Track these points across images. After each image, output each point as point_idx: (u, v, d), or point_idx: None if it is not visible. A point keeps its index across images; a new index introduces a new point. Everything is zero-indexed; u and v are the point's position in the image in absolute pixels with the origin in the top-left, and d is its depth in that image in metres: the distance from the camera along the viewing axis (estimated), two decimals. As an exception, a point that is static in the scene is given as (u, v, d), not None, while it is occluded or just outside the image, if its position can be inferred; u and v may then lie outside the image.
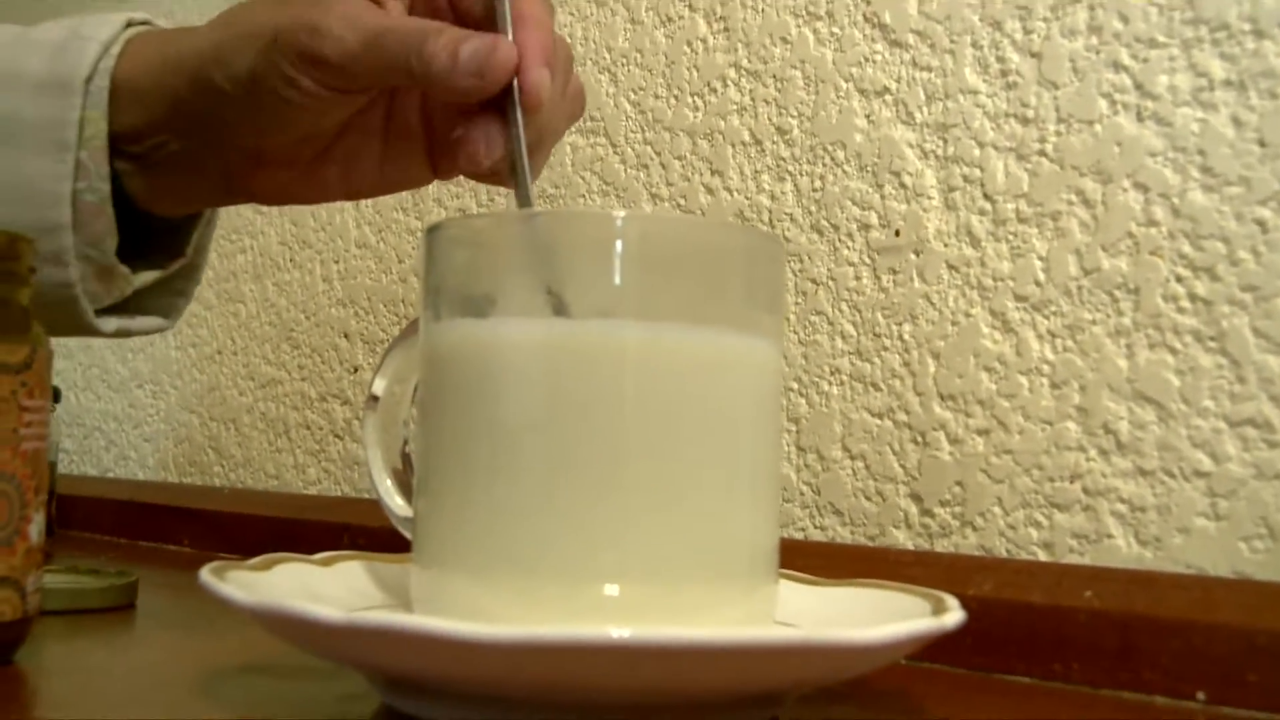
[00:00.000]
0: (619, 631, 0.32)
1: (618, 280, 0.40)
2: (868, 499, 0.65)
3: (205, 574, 0.39)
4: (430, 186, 0.92)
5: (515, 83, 0.45)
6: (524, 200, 0.45)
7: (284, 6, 0.48)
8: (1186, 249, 0.55)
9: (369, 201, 0.98)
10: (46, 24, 0.55)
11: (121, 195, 0.54)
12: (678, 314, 0.40)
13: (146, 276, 0.58)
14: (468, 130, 0.46)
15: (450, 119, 0.49)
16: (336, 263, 1.01)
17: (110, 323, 0.57)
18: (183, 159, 0.53)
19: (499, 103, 0.46)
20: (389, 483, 0.48)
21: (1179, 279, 0.55)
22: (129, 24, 0.54)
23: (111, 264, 0.55)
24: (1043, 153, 0.60)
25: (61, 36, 0.53)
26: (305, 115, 0.49)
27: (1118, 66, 0.58)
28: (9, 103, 0.52)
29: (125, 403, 1.25)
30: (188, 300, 0.62)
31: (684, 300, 0.41)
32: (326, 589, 0.45)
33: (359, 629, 0.33)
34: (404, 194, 0.95)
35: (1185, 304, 0.55)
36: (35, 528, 0.45)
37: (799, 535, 0.67)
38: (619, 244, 0.40)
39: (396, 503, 0.48)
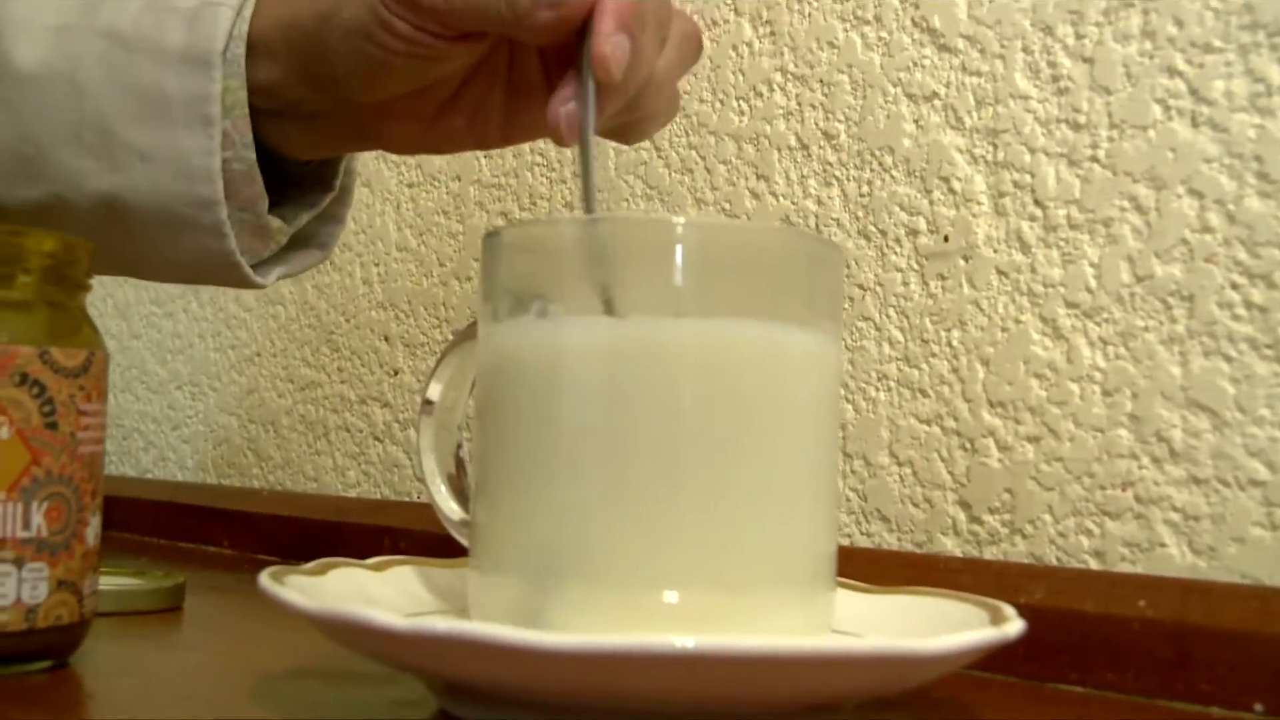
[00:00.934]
0: (682, 641, 0.32)
1: (678, 283, 0.40)
2: (915, 506, 0.65)
3: (265, 579, 0.39)
4: (470, 189, 0.92)
5: (587, 50, 0.44)
6: (587, 193, 0.44)
7: None
8: (1242, 255, 0.55)
9: (409, 204, 0.98)
10: None
11: (261, 143, 0.55)
12: (738, 313, 0.40)
13: (300, 219, 0.59)
14: (551, 106, 0.45)
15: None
16: (377, 265, 1.01)
17: (270, 273, 0.59)
18: (316, 113, 0.54)
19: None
20: (444, 488, 0.48)
21: (1234, 286, 0.55)
22: None
23: (265, 223, 0.56)
24: (1095, 158, 0.59)
25: (193, 1, 0.53)
26: (413, 64, 0.49)
27: (1172, 72, 0.58)
28: (154, 76, 0.53)
29: (164, 404, 1.26)
30: (342, 225, 0.63)
31: (744, 302, 0.40)
32: (381, 593, 0.45)
33: (424, 635, 0.33)
34: (444, 197, 0.95)
35: (1241, 311, 0.55)
36: (92, 531, 0.45)
37: (845, 542, 0.67)
38: (679, 249, 0.40)
39: (451, 507, 0.48)
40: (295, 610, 0.36)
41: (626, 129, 0.51)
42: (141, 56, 0.54)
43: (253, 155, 0.54)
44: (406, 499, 0.95)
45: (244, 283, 0.58)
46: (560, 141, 0.45)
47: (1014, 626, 0.39)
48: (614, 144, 0.80)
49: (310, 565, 0.45)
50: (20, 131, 0.55)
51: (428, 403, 0.48)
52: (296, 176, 0.59)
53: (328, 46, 0.50)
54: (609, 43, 0.44)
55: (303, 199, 0.59)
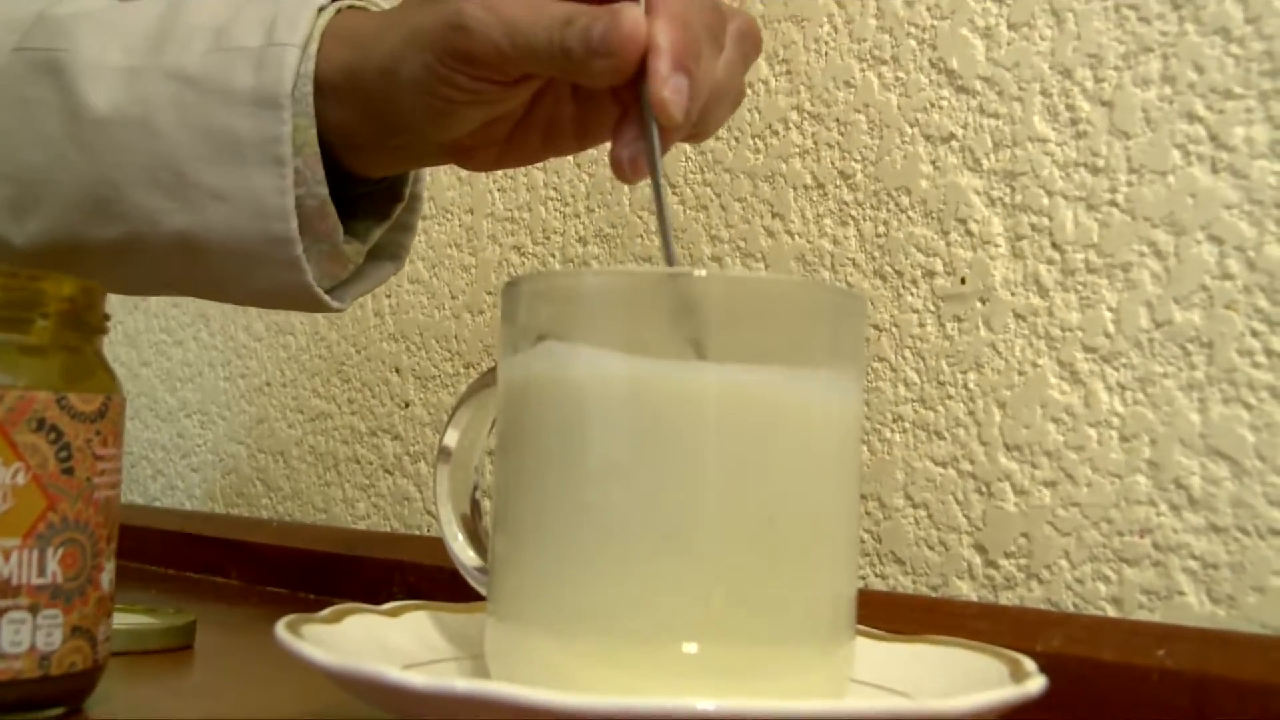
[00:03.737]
0: (703, 704, 0.32)
1: (705, 333, 0.39)
2: (930, 549, 0.64)
3: (281, 630, 0.39)
4: (483, 222, 0.92)
5: (645, 94, 0.44)
6: (664, 232, 0.45)
7: (431, 4, 0.49)
8: (1262, 303, 0.55)
9: (421, 237, 0.98)
10: (239, 8, 0.56)
11: (334, 162, 0.56)
12: (761, 360, 0.40)
13: (373, 235, 0.60)
14: (620, 146, 0.46)
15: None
16: (388, 297, 1.01)
17: (347, 295, 0.60)
18: (386, 148, 0.55)
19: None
20: (461, 535, 0.48)
21: (1255, 333, 0.55)
22: (320, 7, 0.55)
23: (341, 250, 0.57)
24: (1114, 203, 0.59)
25: (259, 41, 0.54)
26: (477, 109, 0.50)
27: (1192, 117, 0.57)
28: (225, 118, 0.54)
29: (173, 432, 1.26)
30: (413, 233, 0.63)
31: (767, 349, 0.40)
32: (397, 642, 0.45)
33: (444, 695, 0.33)
34: (457, 230, 0.95)
35: (1261, 359, 0.54)
36: (107, 576, 0.45)
37: (860, 584, 0.66)
38: (703, 301, 0.39)
39: (469, 556, 0.48)
40: (315, 666, 0.36)
41: (696, 134, 0.51)
42: (212, 98, 0.54)
43: (325, 191, 0.55)
44: (417, 532, 0.95)
45: (322, 308, 0.59)
46: (626, 181, 0.46)
47: (1035, 684, 0.38)
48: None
49: (325, 613, 0.44)
50: (98, 174, 0.56)
51: (444, 451, 0.47)
52: (368, 191, 0.60)
53: (392, 98, 0.51)
54: (667, 86, 0.44)
55: (373, 209, 0.60)
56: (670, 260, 0.44)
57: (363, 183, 0.58)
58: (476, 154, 0.55)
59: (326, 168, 0.54)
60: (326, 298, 0.58)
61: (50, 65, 0.56)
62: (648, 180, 0.46)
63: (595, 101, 0.53)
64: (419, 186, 0.62)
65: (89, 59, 0.56)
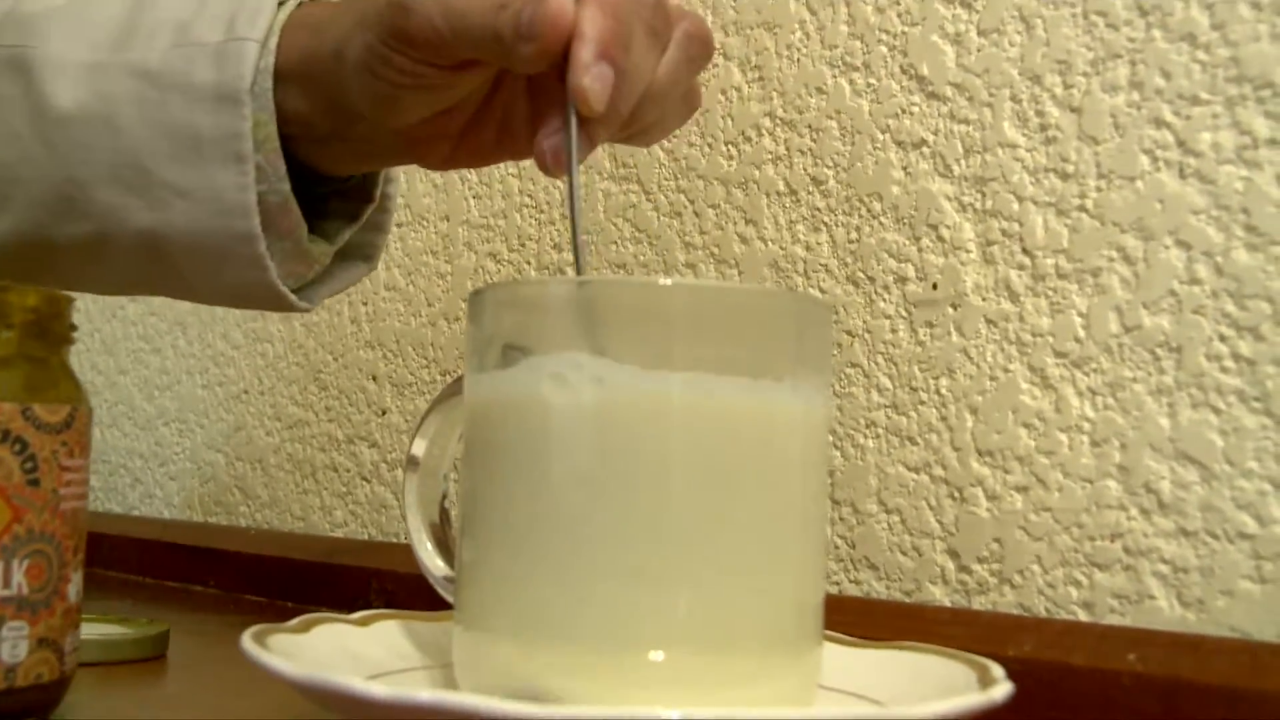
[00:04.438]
0: (669, 713, 0.32)
1: (666, 342, 0.39)
2: (904, 554, 0.64)
3: (247, 641, 0.39)
4: (459, 230, 0.92)
5: (568, 86, 0.44)
6: (574, 229, 0.44)
7: None
8: (1230, 308, 0.55)
9: (397, 244, 0.98)
10: (204, 2, 0.56)
11: (300, 162, 0.55)
12: (726, 369, 0.40)
13: (342, 236, 0.60)
14: (542, 136, 0.45)
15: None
16: (365, 305, 1.01)
17: (316, 295, 0.60)
18: (348, 137, 0.55)
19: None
20: (429, 544, 0.48)
21: (1223, 338, 0.55)
22: (281, 1, 0.55)
23: (306, 249, 0.57)
24: (1083, 208, 0.60)
25: (219, 36, 0.54)
26: (421, 94, 0.50)
27: (1159, 123, 0.58)
28: (186, 115, 0.54)
29: (151, 440, 1.25)
30: (386, 234, 0.63)
31: (733, 358, 0.40)
32: (366, 651, 0.45)
33: (407, 704, 0.33)
34: (433, 237, 0.95)
35: (1229, 364, 0.55)
36: (74, 588, 0.45)
37: (834, 590, 0.66)
38: (668, 311, 0.39)
39: (436, 564, 0.48)
40: (278, 677, 0.36)
41: (639, 136, 0.50)
42: (173, 95, 0.54)
43: (287, 187, 0.54)
44: (394, 539, 0.95)
45: (289, 308, 0.59)
46: (547, 173, 0.46)
47: (1001, 690, 0.38)
48: (603, 187, 0.80)
49: (294, 622, 0.44)
50: (64, 172, 0.56)
51: (412, 460, 0.47)
52: (338, 189, 0.59)
53: (342, 82, 0.51)
54: (588, 74, 0.43)
55: (344, 210, 0.60)
56: (578, 260, 0.44)
57: (330, 182, 0.58)
58: (430, 147, 0.54)
59: (291, 166, 0.54)
60: (293, 297, 0.58)
61: (16, 62, 0.56)
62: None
63: (549, 98, 0.53)
64: (391, 188, 0.62)
65: (54, 56, 0.56)
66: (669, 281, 0.42)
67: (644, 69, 0.46)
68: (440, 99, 0.51)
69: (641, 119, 0.48)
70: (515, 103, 0.54)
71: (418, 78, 0.49)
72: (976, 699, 0.37)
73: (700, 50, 0.49)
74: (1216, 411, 0.55)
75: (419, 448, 0.47)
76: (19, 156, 0.56)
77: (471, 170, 0.92)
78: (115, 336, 1.31)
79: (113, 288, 0.65)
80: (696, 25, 0.49)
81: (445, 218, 0.94)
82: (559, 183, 0.85)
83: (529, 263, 0.87)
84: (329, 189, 0.59)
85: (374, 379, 0.99)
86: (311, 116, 0.54)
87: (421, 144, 0.54)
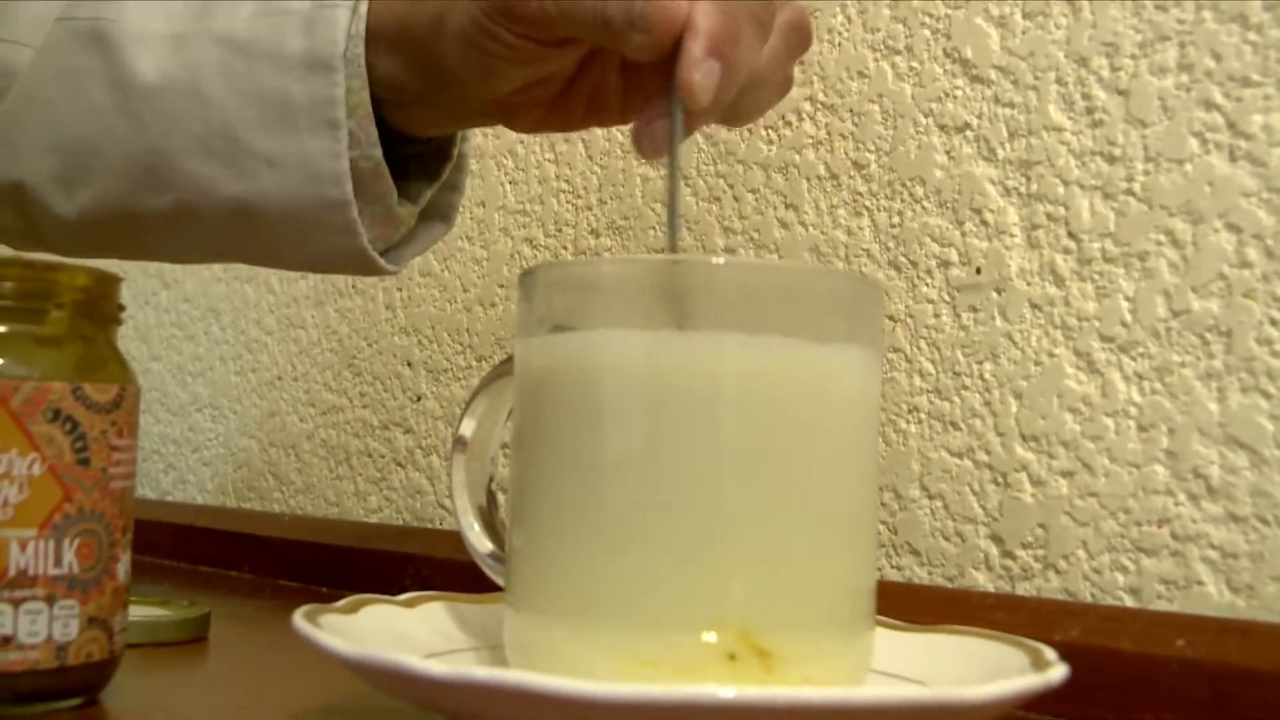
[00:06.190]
0: (724, 692, 0.32)
1: (720, 318, 0.39)
2: (946, 539, 0.64)
3: (299, 620, 0.39)
4: (495, 215, 0.92)
5: (677, 74, 0.44)
6: (671, 216, 0.45)
7: None
8: (1281, 292, 0.54)
9: (433, 230, 0.97)
10: None
11: (384, 123, 0.55)
12: (783, 345, 0.39)
13: (425, 196, 0.60)
14: (643, 123, 0.46)
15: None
16: (400, 290, 1.01)
17: (401, 257, 0.60)
18: (435, 103, 0.55)
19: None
20: (476, 525, 0.47)
21: (1273, 322, 0.54)
22: None
23: (395, 212, 0.57)
24: (1130, 191, 0.59)
25: (308, 2, 0.54)
26: (519, 67, 0.50)
27: (1209, 105, 0.57)
28: (276, 83, 0.54)
29: (184, 426, 1.26)
30: (462, 193, 0.63)
31: (787, 327, 0.40)
32: (414, 632, 0.45)
33: (464, 683, 0.33)
34: (468, 222, 0.94)
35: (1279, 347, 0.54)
36: (123, 567, 0.45)
37: (876, 575, 0.66)
38: (721, 289, 0.39)
39: (484, 543, 0.47)
40: (334, 656, 0.36)
41: (733, 120, 0.51)
42: (262, 63, 0.54)
43: (379, 152, 0.54)
44: (429, 525, 0.95)
45: (378, 271, 0.59)
46: (644, 156, 0.46)
47: (1057, 672, 0.38)
48: (641, 172, 0.80)
49: (342, 603, 0.44)
50: (148, 143, 0.56)
51: (460, 440, 0.47)
52: (416, 150, 0.59)
53: (440, 48, 0.51)
54: (697, 70, 0.43)
55: (423, 170, 0.60)
56: (672, 243, 0.44)
57: (411, 143, 0.58)
58: (521, 113, 0.54)
59: (379, 130, 0.54)
60: (381, 261, 0.58)
61: (95, 34, 0.56)
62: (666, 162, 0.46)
63: (642, 74, 0.52)
64: (466, 146, 0.62)
65: (134, 27, 0.56)
66: (723, 259, 0.42)
67: (747, 61, 0.46)
68: (537, 71, 0.51)
69: (739, 104, 0.48)
70: (608, 75, 0.54)
71: (518, 51, 0.49)
72: (1034, 680, 0.37)
73: (799, 39, 0.50)
74: (1266, 396, 0.54)
75: (467, 428, 0.47)
76: (100, 129, 0.56)
77: (507, 156, 0.92)
78: (149, 323, 1.31)
79: (196, 256, 0.65)
80: (797, 15, 0.49)
81: (481, 203, 0.94)
82: (597, 167, 0.85)
83: (565, 248, 0.87)
84: (409, 150, 0.58)
85: (409, 364, 0.99)
86: (403, 80, 0.54)
87: (512, 110, 0.54)
